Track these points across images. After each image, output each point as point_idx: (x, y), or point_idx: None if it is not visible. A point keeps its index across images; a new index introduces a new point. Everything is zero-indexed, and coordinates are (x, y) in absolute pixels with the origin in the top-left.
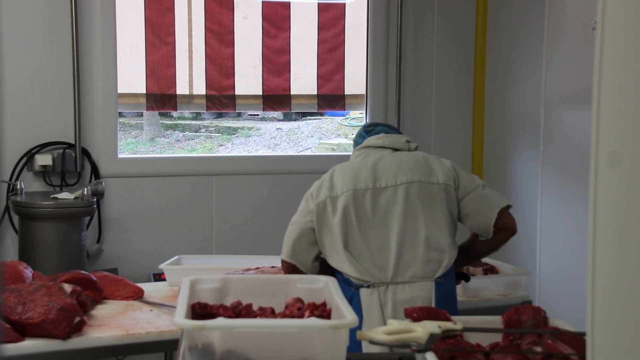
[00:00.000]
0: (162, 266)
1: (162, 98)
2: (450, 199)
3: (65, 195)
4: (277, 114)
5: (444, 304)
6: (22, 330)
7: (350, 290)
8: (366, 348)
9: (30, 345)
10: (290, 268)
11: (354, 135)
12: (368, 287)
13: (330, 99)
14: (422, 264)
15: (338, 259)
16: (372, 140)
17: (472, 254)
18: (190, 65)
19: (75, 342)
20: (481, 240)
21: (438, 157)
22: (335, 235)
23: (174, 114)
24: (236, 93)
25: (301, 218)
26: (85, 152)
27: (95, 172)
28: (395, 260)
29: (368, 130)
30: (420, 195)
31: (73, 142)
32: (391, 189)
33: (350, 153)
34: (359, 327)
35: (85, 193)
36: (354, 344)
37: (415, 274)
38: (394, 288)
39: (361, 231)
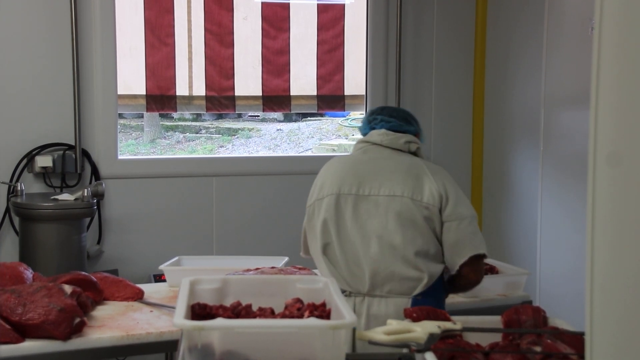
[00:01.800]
0: (162, 267)
1: (161, 99)
2: (434, 218)
3: (65, 196)
4: (278, 115)
5: None
6: (23, 331)
7: None
8: (361, 349)
9: (30, 346)
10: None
11: (354, 136)
12: (345, 295)
13: (330, 99)
14: (399, 280)
15: (318, 264)
16: (373, 136)
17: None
18: (190, 66)
19: (76, 343)
20: (445, 276)
21: (436, 171)
22: (317, 239)
23: (175, 115)
24: (236, 94)
25: (305, 217)
26: (86, 154)
27: (96, 173)
28: (371, 274)
29: (370, 120)
30: (402, 211)
31: (73, 143)
32: (373, 198)
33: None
34: None
35: (86, 194)
36: None
37: (393, 289)
38: (370, 301)
39: (339, 238)
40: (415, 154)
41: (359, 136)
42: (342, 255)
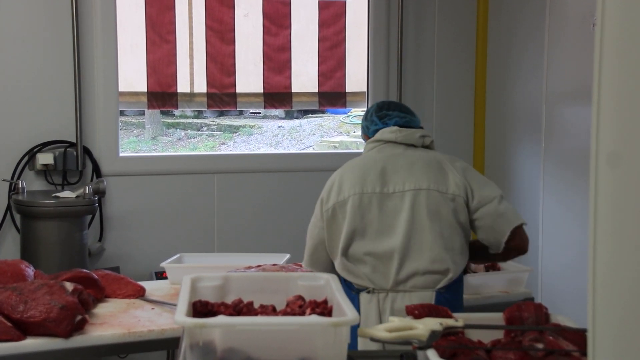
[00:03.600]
0: (164, 264)
1: (163, 96)
2: (459, 209)
3: (66, 194)
4: (279, 112)
5: None
6: (24, 329)
7: (352, 294)
8: (362, 346)
9: (31, 343)
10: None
11: (356, 133)
12: (368, 292)
13: (331, 96)
14: (424, 275)
15: (337, 264)
16: (385, 134)
17: (477, 258)
18: (191, 64)
19: (77, 341)
20: (490, 252)
21: (453, 159)
22: (339, 240)
23: (176, 112)
24: (237, 91)
25: (314, 227)
26: (87, 151)
27: (97, 170)
28: (397, 269)
29: (381, 116)
30: (428, 204)
31: (74, 140)
32: (398, 194)
33: (354, 151)
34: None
35: (87, 192)
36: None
37: (417, 284)
38: (394, 296)
39: (365, 237)
40: (428, 147)
41: (360, 133)
42: (367, 253)
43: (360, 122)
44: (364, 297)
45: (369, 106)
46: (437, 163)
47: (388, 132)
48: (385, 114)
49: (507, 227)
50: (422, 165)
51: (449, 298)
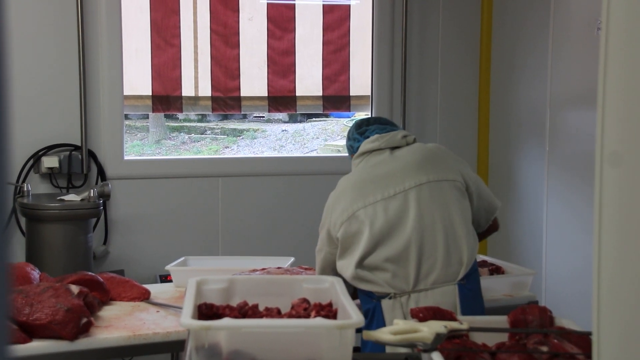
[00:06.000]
0: (169, 267)
1: (167, 100)
2: (461, 194)
3: (71, 197)
4: (283, 115)
5: (470, 306)
6: (30, 332)
7: (372, 302)
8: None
9: (37, 346)
10: None
11: (346, 143)
12: (389, 298)
13: (336, 100)
14: (442, 267)
15: (350, 276)
16: (367, 144)
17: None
18: (196, 67)
19: (83, 343)
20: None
21: (436, 146)
22: (354, 256)
23: (180, 116)
24: (242, 94)
25: (320, 251)
26: (92, 154)
27: (102, 174)
28: (416, 267)
29: (361, 132)
30: (432, 196)
31: (79, 144)
32: (401, 195)
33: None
34: None
35: (92, 195)
36: (377, 345)
37: (437, 279)
38: (417, 296)
39: (379, 245)
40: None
41: (348, 155)
42: (384, 259)
43: None
44: (385, 304)
45: (373, 110)
46: (428, 154)
47: (369, 142)
48: (365, 129)
49: (495, 203)
50: (415, 160)
51: (472, 288)
